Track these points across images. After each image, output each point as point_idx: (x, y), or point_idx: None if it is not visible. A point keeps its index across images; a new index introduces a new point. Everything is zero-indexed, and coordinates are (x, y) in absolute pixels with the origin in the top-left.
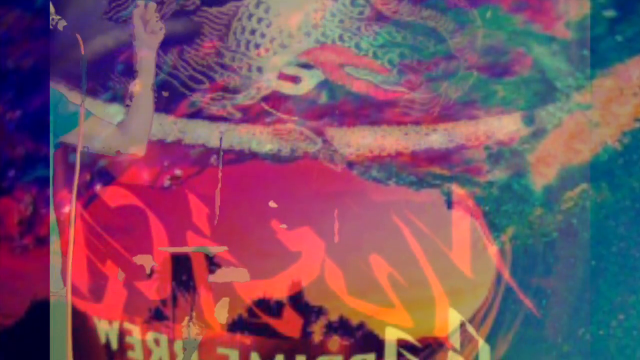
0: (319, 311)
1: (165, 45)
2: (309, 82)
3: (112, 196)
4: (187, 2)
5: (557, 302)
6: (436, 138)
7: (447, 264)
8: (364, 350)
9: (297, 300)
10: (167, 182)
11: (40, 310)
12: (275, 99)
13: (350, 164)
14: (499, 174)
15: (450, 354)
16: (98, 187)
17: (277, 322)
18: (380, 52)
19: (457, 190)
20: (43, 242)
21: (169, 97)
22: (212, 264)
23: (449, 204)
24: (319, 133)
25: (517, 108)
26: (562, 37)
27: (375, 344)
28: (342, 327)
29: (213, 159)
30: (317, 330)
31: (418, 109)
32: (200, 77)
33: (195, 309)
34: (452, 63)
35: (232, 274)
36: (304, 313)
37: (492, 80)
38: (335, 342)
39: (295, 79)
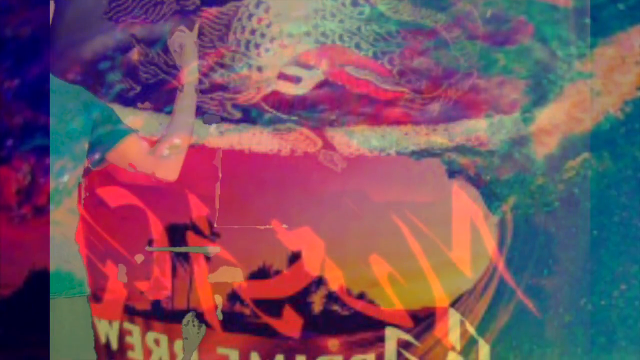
0: (319, 281)
1: (165, 45)
2: (309, 82)
3: (112, 196)
4: (187, 2)
5: (559, 272)
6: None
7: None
8: (364, 320)
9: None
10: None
11: (38, 280)
12: (275, 99)
13: (350, 133)
14: (500, 143)
15: (450, 354)
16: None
17: (277, 322)
18: (380, 52)
19: (458, 160)
20: (41, 211)
21: (169, 97)
22: (212, 233)
23: (450, 174)
24: (319, 133)
25: (518, 77)
26: (563, 5)
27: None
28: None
29: (212, 127)
30: (317, 301)
31: (418, 109)
32: (199, 76)
33: (194, 281)
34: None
35: (231, 274)
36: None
37: (493, 48)
38: (335, 342)
39: (295, 79)
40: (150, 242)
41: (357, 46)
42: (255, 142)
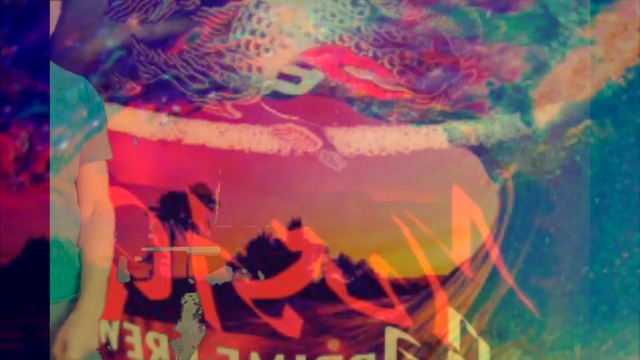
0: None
1: (166, 45)
2: (309, 82)
3: (112, 196)
4: (187, 2)
5: (560, 240)
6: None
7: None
8: (363, 288)
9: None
10: (164, 120)
11: (36, 249)
12: (275, 99)
13: (350, 100)
14: (501, 110)
15: (450, 354)
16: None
17: (277, 322)
18: (380, 52)
19: (459, 127)
20: (39, 179)
21: (169, 97)
22: (211, 201)
23: (451, 141)
24: (319, 133)
25: (520, 44)
26: None
27: (375, 283)
28: (342, 265)
29: (212, 95)
30: (317, 269)
31: (418, 108)
32: (200, 77)
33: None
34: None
35: (230, 274)
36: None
37: (495, 15)
38: (335, 342)
39: (295, 79)
40: (147, 213)
41: (357, 46)
42: (255, 142)
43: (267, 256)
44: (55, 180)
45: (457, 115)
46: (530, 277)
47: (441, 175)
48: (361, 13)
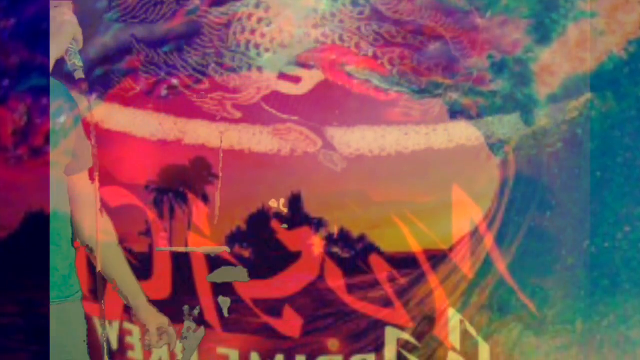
0: (319, 223)
1: (166, 45)
2: (309, 82)
3: (112, 196)
4: (187, 2)
5: (562, 214)
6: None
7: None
8: (362, 264)
9: (297, 212)
10: (164, 92)
11: (34, 222)
12: (275, 99)
13: (350, 75)
14: (502, 83)
15: (450, 354)
16: (94, 97)
17: (277, 322)
18: (380, 52)
19: (460, 100)
20: (38, 152)
21: (169, 96)
22: (210, 175)
23: (452, 114)
24: (319, 133)
25: (520, 17)
26: None
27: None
28: (342, 239)
29: (211, 68)
30: (317, 243)
31: (418, 109)
32: (200, 77)
33: (193, 221)
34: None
35: (232, 274)
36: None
37: None
38: (335, 342)
39: (295, 79)
40: (147, 186)
41: (357, 46)
42: (255, 142)
43: (266, 232)
44: (53, 154)
45: (458, 88)
46: (531, 251)
47: (441, 174)
48: (361, 13)
